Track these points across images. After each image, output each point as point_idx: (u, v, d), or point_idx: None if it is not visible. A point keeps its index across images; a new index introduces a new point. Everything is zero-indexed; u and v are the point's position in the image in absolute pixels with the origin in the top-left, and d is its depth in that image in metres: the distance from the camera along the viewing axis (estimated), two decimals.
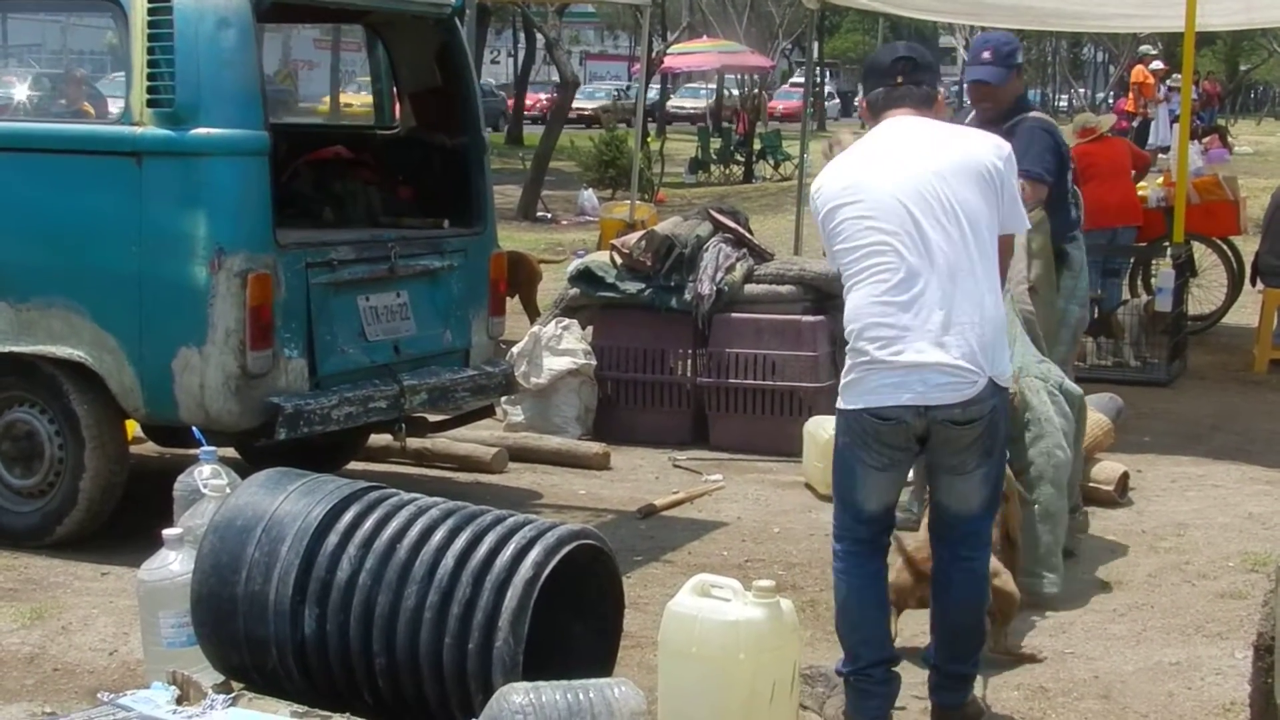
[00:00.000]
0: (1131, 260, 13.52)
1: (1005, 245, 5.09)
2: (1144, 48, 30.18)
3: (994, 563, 5.66)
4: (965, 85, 6.91)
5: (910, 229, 4.81)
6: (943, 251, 4.79)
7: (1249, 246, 13.78)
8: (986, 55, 7.18)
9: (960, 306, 4.77)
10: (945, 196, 4.84)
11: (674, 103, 49.54)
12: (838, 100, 62.58)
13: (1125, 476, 8.30)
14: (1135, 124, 28.28)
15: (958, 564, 5.07)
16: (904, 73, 5.11)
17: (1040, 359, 6.81)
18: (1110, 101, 39.94)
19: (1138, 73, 28.85)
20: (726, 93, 43.89)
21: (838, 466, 5.04)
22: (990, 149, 4.98)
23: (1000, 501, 5.33)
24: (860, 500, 4.99)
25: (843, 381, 4.93)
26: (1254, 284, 13.19)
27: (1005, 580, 5.78)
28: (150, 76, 6.71)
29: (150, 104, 6.71)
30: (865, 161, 5.01)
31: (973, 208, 4.85)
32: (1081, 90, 55.16)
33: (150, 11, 6.70)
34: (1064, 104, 67.94)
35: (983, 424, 4.83)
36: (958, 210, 4.83)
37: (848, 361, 4.91)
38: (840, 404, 4.95)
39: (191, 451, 6.05)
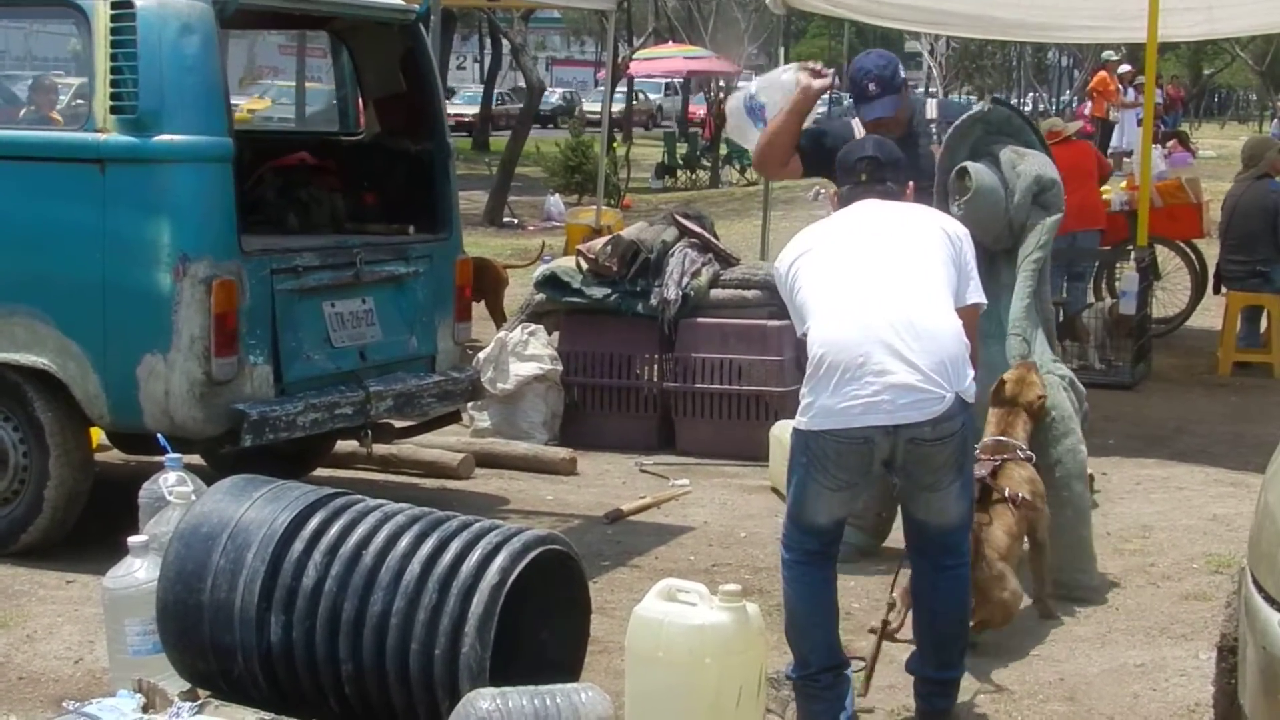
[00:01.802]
0: (1096, 264, 13.56)
1: (970, 320, 5.11)
2: (1107, 53, 30.25)
3: (1009, 578, 5.81)
4: (863, 124, 6.78)
5: (868, 264, 5.00)
6: (901, 281, 4.94)
7: (1212, 250, 13.84)
8: (873, 89, 6.85)
9: (920, 327, 4.84)
10: (903, 237, 5.07)
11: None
12: None
13: (1090, 479, 8.32)
14: (1097, 128, 28.36)
15: (943, 573, 5.11)
16: (867, 171, 5.34)
17: (1055, 358, 6.89)
18: (1074, 105, 40.06)
19: (1099, 79, 28.93)
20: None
21: (792, 482, 5.06)
22: (950, 223, 5.25)
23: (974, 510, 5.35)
24: (811, 516, 5.02)
25: (802, 403, 4.96)
26: (1217, 291, 13.25)
27: (1010, 595, 5.85)
28: (113, 83, 6.69)
29: (113, 110, 6.69)
30: (825, 229, 5.25)
31: (931, 247, 5.05)
32: (1046, 95, 55.27)
33: (113, 18, 6.69)
34: (1028, 108, 68.18)
35: (955, 440, 4.88)
36: (915, 246, 5.04)
37: (807, 385, 4.93)
38: (799, 424, 4.97)
39: (157, 459, 6.05)
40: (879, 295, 4.89)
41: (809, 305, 5.00)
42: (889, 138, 5.90)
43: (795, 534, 5.07)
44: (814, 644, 5.07)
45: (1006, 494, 6.04)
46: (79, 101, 7.56)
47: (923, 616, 5.18)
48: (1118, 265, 12.79)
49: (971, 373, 4.96)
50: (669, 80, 53.32)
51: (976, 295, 5.17)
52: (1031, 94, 62.79)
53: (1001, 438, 6.32)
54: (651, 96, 57.20)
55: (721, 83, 41.73)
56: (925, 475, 4.94)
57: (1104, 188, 13.78)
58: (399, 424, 8.13)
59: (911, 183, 5.49)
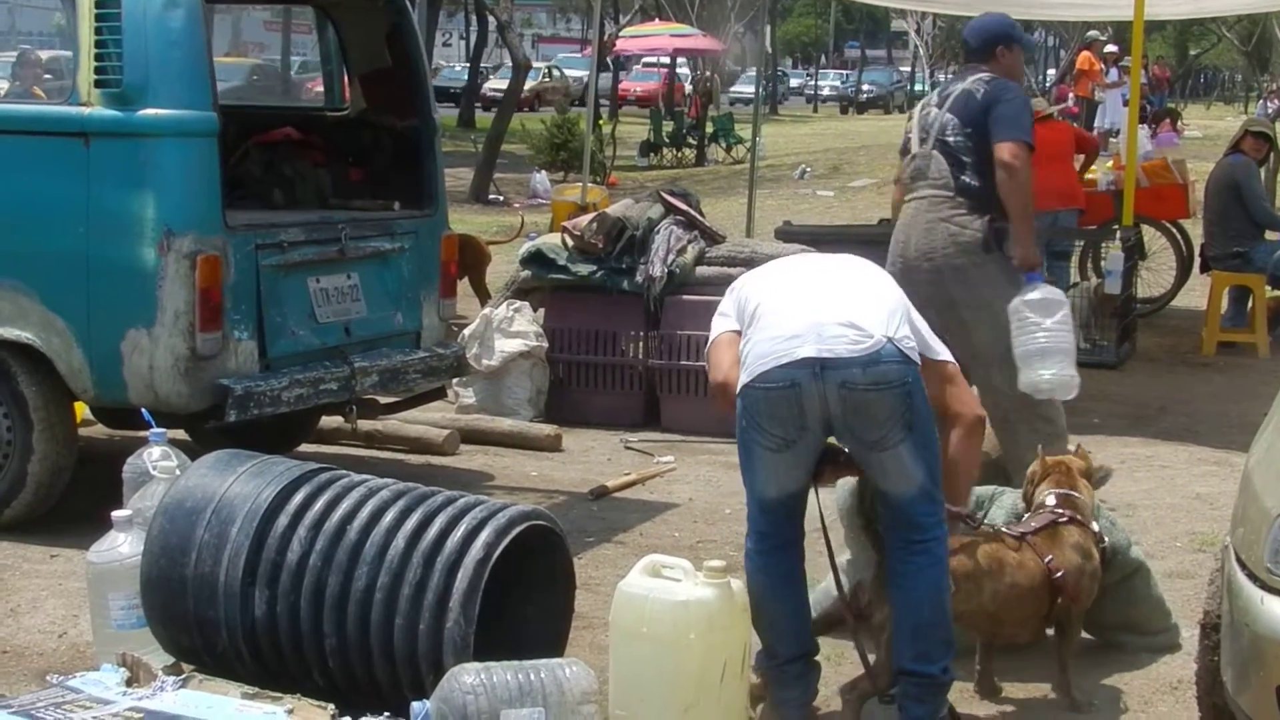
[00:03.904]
0: (1081, 243, 13.58)
1: (949, 376, 5.03)
2: (1091, 33, 30.27)
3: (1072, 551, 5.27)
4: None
5: (818, 280, 5.00)
6: (834, 285, 4.93)
7: (1198, 229, 13.87)
8: None
9: (853, 297, 4.84)
10: (852, 272, 5.04)
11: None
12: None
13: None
14: (1082, 109, 28.38)
15: (911, 549, 4.83)
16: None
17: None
18: (1053, 90, 40.06)
19: (1083, 59, 28.94)
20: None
21: (739, 452, 4.94)
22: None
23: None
24: (759, 487, 4.88)
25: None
26: (1204, 271, 13.28)
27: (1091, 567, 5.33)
28: (98, 57, 6.66)
29: (98, 84, 6.67)
30: (792, 263, 5.34)
31: (879, 287, 5.00)
32: (1032, 76, 55.37)
33: None
34: None
35: (895, 393, 4.68)
36: (862, 277, 5.01)
37: (743, 347, 4.90)
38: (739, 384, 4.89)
39: (141, 433, 6.03)
40: (812, 294, 4.88)
41: (757, 308, 4.94)
42: None
43: (752, 512, 4.97)
44: (780, 633, 4.97)
45: (1048, 563, 5.21)
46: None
47: (897, 600, 4.91)
48: (1103, 245, 12.80)
49: (911, 334, 4.81)
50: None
51: (939, 352, 5.03)
52: None
53: (1072, 492, 5.49)
54: (575, 73, 52.78)
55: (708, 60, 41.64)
56: (869, 430, 4.73)
57: (1091, 167, 13.81)
58: (384, 400, 8.14)
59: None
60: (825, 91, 70.29)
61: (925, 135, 7.35)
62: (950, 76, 7.84)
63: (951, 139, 7.20)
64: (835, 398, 4.66)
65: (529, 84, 42.35)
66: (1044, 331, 6.91)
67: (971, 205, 7.16)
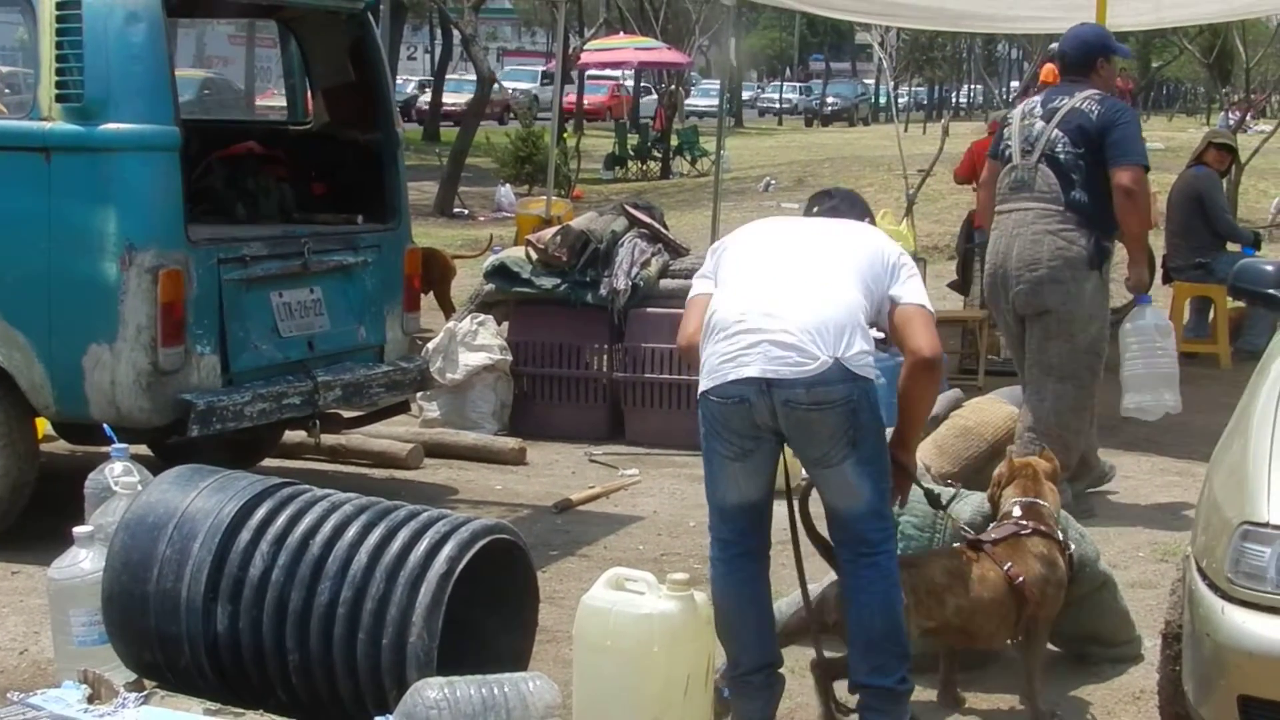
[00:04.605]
0: None
1: (905, 318, 4.92)
2: (1054, 45, 30.40)
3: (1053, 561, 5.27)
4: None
5: (778, 254, 4.96)
6: (801, 266, 4.86)
7: (1160, 241, 13.92)
8: None
9: (802, 295, 4.75)
10: (824, 240, 4.99)
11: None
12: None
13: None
14: None
15: (861, 563, 4.84)
16: (819, 204, 5.35)
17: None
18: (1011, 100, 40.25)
19: (1047, 71, 29.09)
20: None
21: (703, 459, 4.95)
22: (891, 245, 5.05)
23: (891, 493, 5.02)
24: (720, 494, 4.89)
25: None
26: (1166, 282, 13.33)
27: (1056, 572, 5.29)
28: (59, 71, 6.64)
29: (59, 99, 6.65)
30: (768, 225, 5.24)
31: (851, 250, 4.93)
32: (996, 87, 55.57)
33: (59, 5, 6.64)
34: (979, 100, 68.43)
35: (838, 410, 4.67)
36: (832, 247, 4.95)
37: (701, 351, 4.89)
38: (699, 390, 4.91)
39: (103, 449, 6.00)
40: (771, 275, 4.85)
41: (727, 278, 4.97)
42: None
43: (713, 520, 4.97)
44: (743, 644, 4.96)
45: (1008, 570, 5.17)
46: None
47: (850, 614, 4.90)
48: None
49: (864, 347, 4.73)
50: (548, 70, 52.86)
51: (913, 296, 4.93)
52: (982, 86, 63.10)
53: (1037, 501, 5.44)
54: (520, 85, 51.88)
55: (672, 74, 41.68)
56: (811, 447, 4.76)
57: None
58: (347, 414, 8.12)
59: (866, 218, 5.34)
60: (777, 105, 70.43)
61: (1030, 148, 7.62)
62: (1048, 89, 8.03)
63: (1061, 155, 7.53)
64: (781, 414, 4.69)
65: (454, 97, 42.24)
66: (1164, 356, 7.20)
67: (1079, 220, 7.48)
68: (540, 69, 58.05)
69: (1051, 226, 7.49)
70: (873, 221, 5.40)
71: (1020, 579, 5.16)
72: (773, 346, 4.67)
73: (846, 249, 4.94)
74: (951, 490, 5.82)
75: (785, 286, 4.80)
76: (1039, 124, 7.59)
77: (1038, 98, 7.92)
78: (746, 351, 4.70)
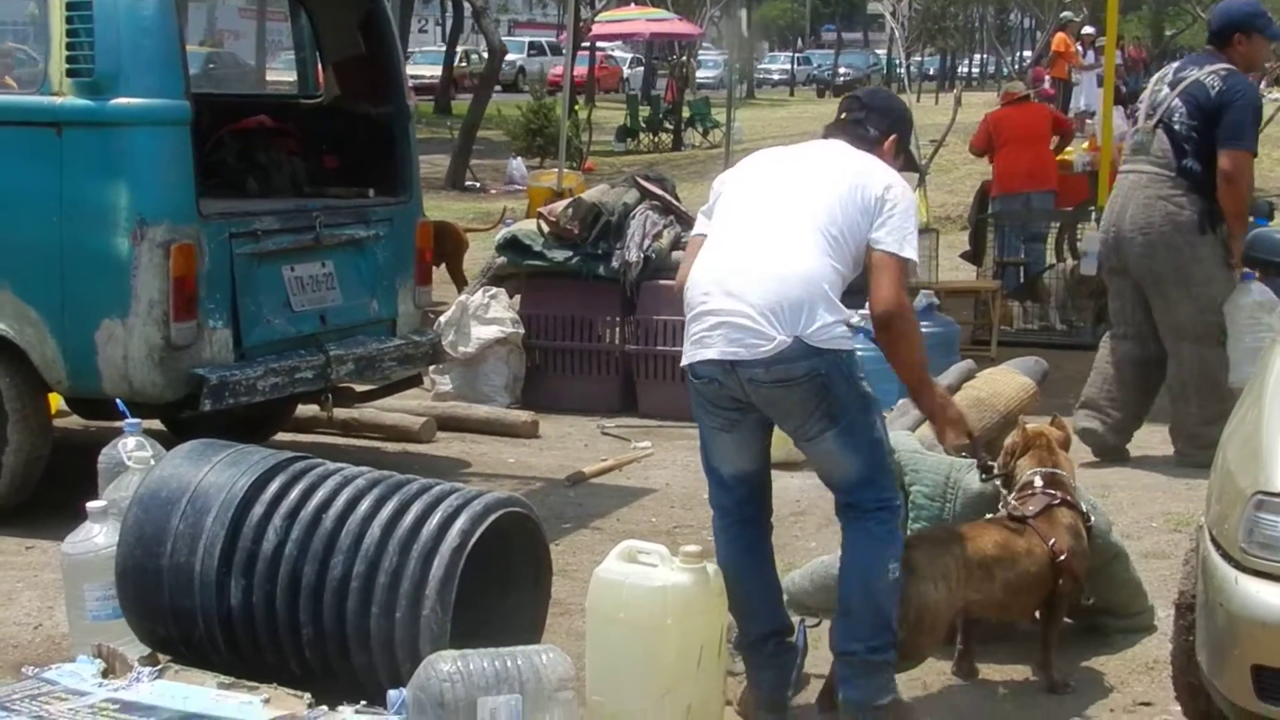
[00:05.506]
0: (1056, 225, 13.59)
1: (872, 266, 4.74)
2: (1066, 14, 30.31)
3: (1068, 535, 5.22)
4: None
5: (753, 208, 4.85)
6: (769, 227, 4.75)
7: None
8: None
9: (759, 271, 4.66)
10: (805, 184, 4.83)
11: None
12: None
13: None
14: (1058, 90, 28.42)
15: (851, 525, 4.80)
16: (848, 110, 5.16)
17: None
18: (1027, 71, 40.11)
19: (1059, 41, 28.98)
20: None
21: (699, 430, 4.98)
22: (881, 179, 4.82)
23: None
24: (715, 464, 4.91)
25: None
26: None
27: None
28: (70, 46, 6.64)
29: (70, 74, 6.65)
30: (754, 164, 5.07)
31: (828, 196, 4.74)
32: (1008, 57, 55.40)
33: None
34: (991, 69, 68.22)
35: (804, 388, 4.60)
36: (809, 194, 4.78)
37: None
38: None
39: (116, 424, 6.01)
40: (738, 240, 4.77)
41: (710, 234, 4.93)
42: None
43: (712, 490, 4.99)
44: (750, 611, 4.95)
45: (1052, 545, 5.14)
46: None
47: (839, 575, 4.87)
48: (1079, 226, 12.81)
49: (830, 319, 4.60)
50: (534, 39, 52.41)
51: (896, 245, 4.71)
52: (994, 55, 62.93)
53: (1057, 471, 5.42)
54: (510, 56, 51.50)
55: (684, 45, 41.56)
56: (786, 421, 4.74)
57: (1067, 149, 13.83)
58: (360, 387, 8.12)
59: (894, 135, 5.07)
60: (775, 77, 69.91)
61: (1152, 112, 7.84)
62: (1187, 56, 8.26)
63: (1177, 124, 7.72)
64: (749, 390, 4.68)
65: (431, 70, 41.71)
66: (1266, 331, 7.36)
67: (1190, 186, 7.71)
68: (528, 40, 57.57)
69: (1163, 192, 7.74)
70: (906, 131, 5.19)
71: (1063, 555, 5.16)
72: (731, 329, 4.64)
73: (828, 197, 4.74)
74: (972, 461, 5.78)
75: (751, 256, 4.70)
76: (1165, 90, 7.83)
77: (1175, 64, 8.16)
78: (709, 334, 4.69)
